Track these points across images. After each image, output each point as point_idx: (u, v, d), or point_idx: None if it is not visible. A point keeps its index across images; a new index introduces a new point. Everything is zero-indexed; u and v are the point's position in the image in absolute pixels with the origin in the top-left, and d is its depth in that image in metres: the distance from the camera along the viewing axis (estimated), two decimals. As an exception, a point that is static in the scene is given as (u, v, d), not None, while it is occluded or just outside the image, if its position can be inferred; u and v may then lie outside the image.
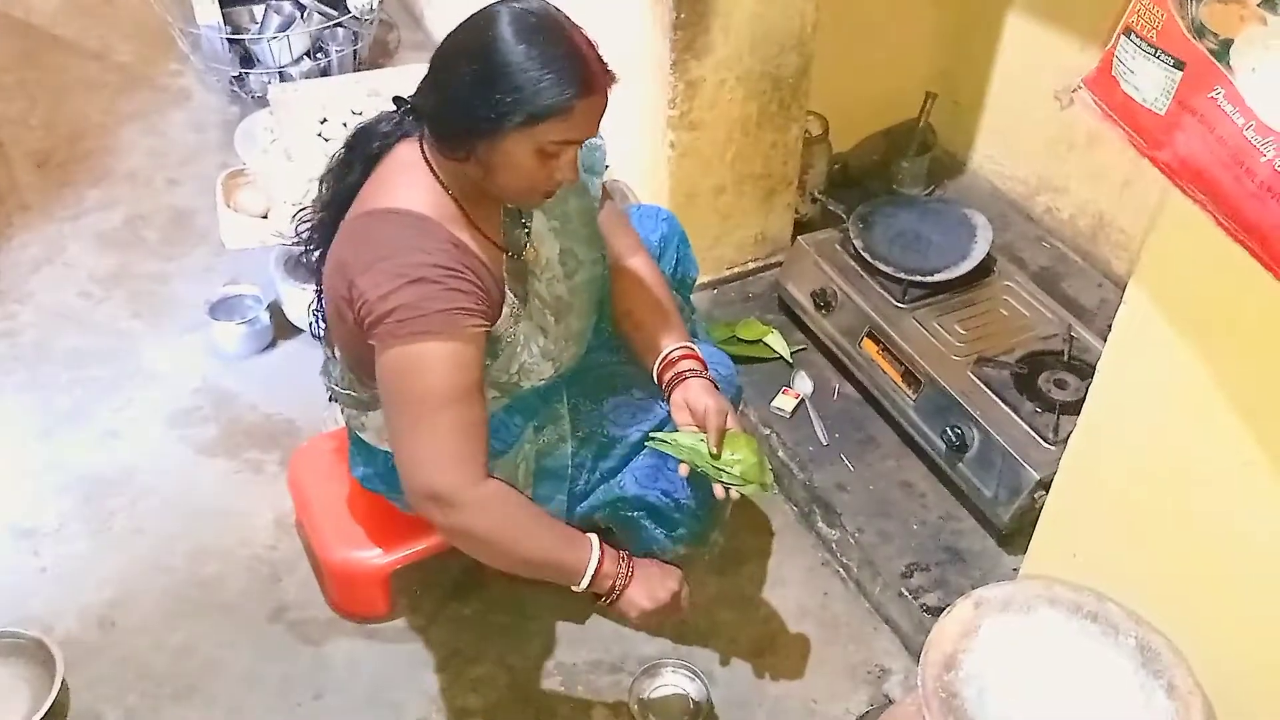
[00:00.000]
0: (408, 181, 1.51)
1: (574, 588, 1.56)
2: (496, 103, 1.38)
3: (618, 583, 1.57)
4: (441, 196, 1.51)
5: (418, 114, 1.52)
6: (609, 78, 1.44)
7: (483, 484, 1.49)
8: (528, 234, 1.63)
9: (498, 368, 1.61)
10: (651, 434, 1.71)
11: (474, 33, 1.42)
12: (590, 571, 1.54)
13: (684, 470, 1.67)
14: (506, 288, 1.58)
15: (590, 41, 1.44)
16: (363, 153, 1.57)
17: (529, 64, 1.37)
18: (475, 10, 1.44)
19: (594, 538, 1.58)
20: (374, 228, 1.49)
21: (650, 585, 1.60)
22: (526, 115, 1.38)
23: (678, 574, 1.64)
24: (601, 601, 1.59)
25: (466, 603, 2.07)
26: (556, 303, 1.66)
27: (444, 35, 1.47)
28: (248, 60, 3.26)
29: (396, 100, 1.56)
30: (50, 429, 2.38)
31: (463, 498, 1.48)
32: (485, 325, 1.50)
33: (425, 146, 1.52)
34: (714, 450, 1.63)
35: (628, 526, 1.83)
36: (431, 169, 1.52)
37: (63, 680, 1.87)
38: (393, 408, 1.51)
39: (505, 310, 1.56)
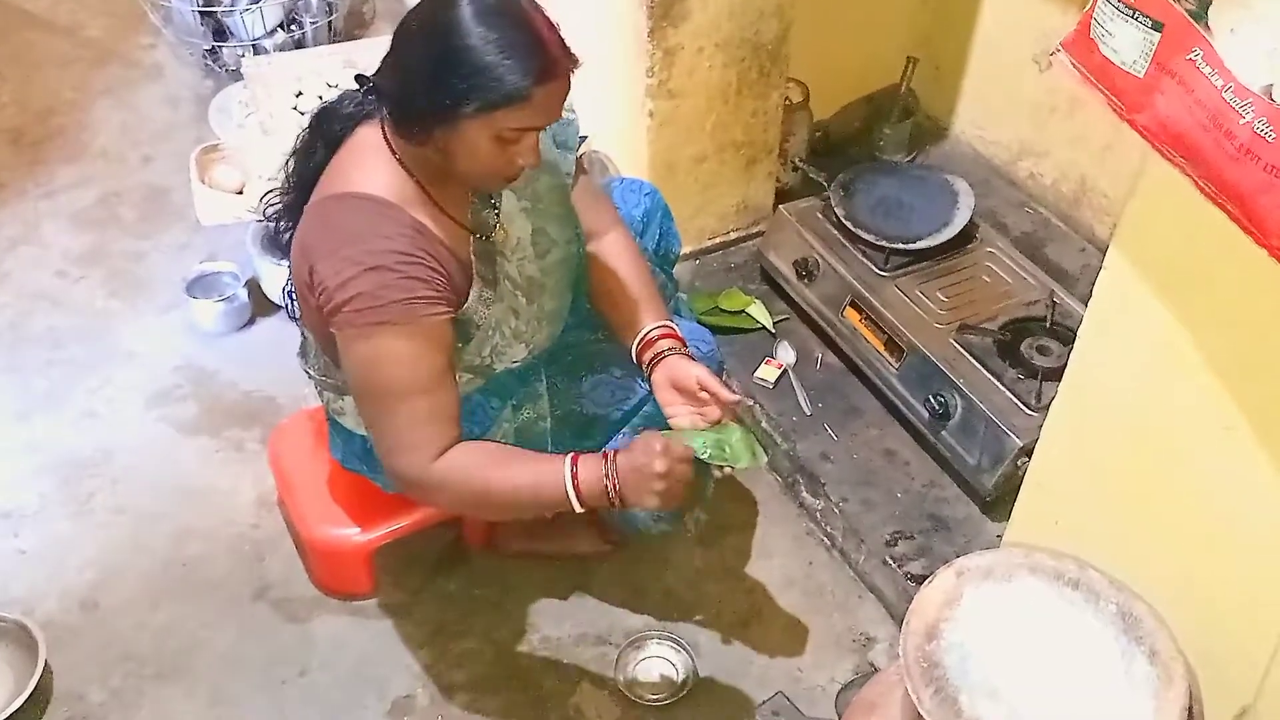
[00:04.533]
0: (370, 165, 1.49)
1: (575, 508, 1.49)
2: (452, 88, 1.36)
3: (609, 484, 1.47)
4: (404, 180, 1.49)
5: (380, 94, 1.50)
6: (570, 62, 1.41)
7: (437, 461, 1.50)
8: (497, 214, 1.61)
9: (470, 351, 1.60)
10: (641, 430, 1.66)
11: (434, 11, 1.39)
12: (570, 487, 1.48)
13: None
14: (474, 271, 1.56)
15: (551, 24, 1.41)
16: (326, 134, 1.55)
17: (487, 49, 1.34)
18: None
19: (566, 458, 1.50)
20: (335, 212, 1.48)
21: (640, 469, 1.47)
22: (482, 103, 1.36)
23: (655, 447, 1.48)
24: (611, 504, 1.49)
25: (450, 578, 2.06)
26: (528, 284, 1.64)
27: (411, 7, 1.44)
28: (221, 33, 3.20)
29: (359, 79, 1.54)
30: (28, 410, 2.36)
31: (421, 479, 1.51)
32: (447, 313, 1.49)
33: (387, 129, 1.50)
34: (720, 394, 1.58)
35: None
36: (393, 151, 1.49)
37: (45, 663, 1.86)
38: (356, 394, 1.55)
39: (473, 294, 1.55)
